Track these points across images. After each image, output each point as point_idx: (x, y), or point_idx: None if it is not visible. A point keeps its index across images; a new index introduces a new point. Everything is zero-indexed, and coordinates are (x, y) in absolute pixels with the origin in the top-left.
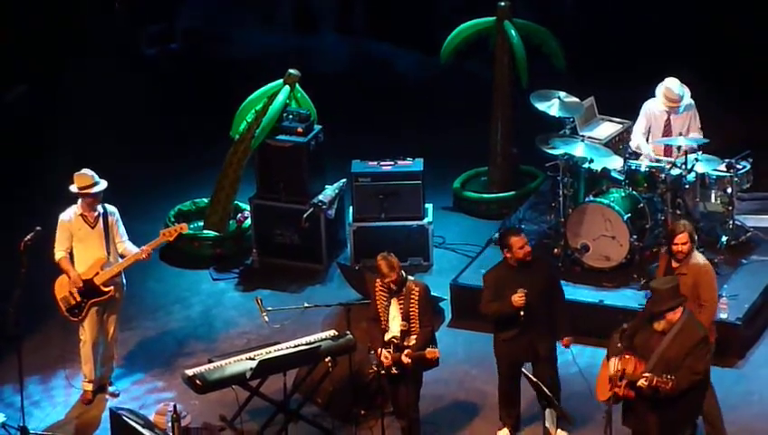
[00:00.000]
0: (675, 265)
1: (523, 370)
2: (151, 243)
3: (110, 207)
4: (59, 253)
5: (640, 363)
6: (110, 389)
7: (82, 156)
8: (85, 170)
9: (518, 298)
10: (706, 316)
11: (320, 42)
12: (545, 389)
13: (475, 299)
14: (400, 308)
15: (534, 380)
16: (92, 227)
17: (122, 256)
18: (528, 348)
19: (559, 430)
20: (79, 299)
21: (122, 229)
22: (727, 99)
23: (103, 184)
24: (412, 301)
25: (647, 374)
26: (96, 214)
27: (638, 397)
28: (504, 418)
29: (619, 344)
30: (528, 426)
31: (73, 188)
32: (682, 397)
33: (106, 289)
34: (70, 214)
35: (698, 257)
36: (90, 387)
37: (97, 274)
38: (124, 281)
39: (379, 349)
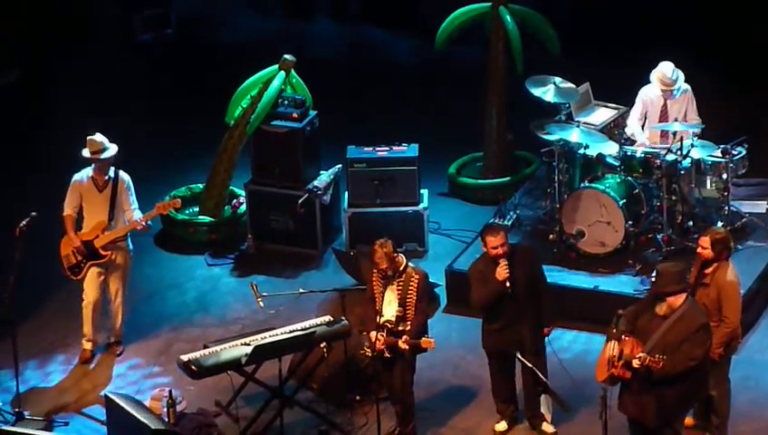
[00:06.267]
0: (706, 271)
1: (518, 355)
2: (146, 215)
3: (123, 174)
4: (66, 210)
5: (638, 346)
6: (117, 352)
7: (76, 142)
8: (96, 135)
9: (501, 270)
10: (723, 333)
11: (315, 27)
12: (541, 375)
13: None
14: (398, 293)
15: (530, 365)
16: (100, 191)
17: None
18: (515, 338)
19: (544, 423)
20: (79, 259)
21: (133, 197)
22: (723, 84)
23: (112, 150)
24: (411, 288)
25: (641, 355)
26: (106, 178)
27: (633, 378)
28: (502, 410)
29: (622, 328)
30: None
31: (85, 153)
32: (678, 382)
33: (104, 253)
34: (83, 175)
35: (728, 273)
36: (89, 346)
37: (97, 236)
38: (131, 246)
39: (372, 331)
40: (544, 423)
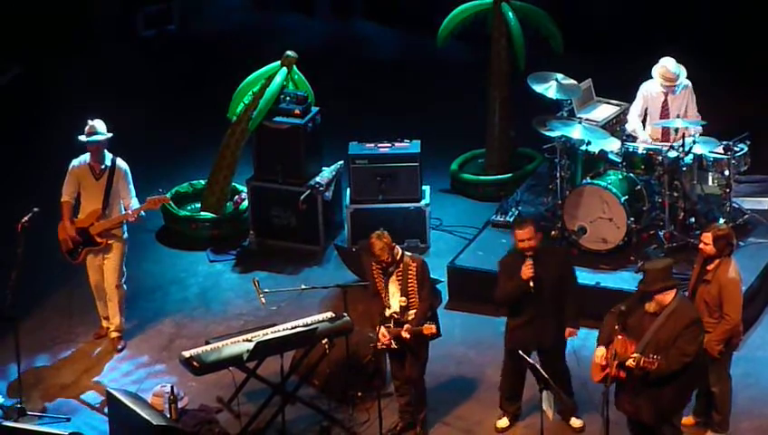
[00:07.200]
0: (708, 268)
1: (520, 352)
2: (137, 208)
3: (121, 163)
4: (64, 196)
5: (631, 344)
6: (119, 346)
7: (76, 139)
8: (96, 121)
9: (526, 269)
10: (723, 329)
11: (317, 23)
12: (542, 371)
13: (472, 281)
14: (399, 284)
15: (531, 362)
16: (97, 179)
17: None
18: (536, 336)
19: (574, 419)
20: (74, 245)
21: (131, 186)
22: (725, 81)
23: (104, 136)
24: (410, 276)
25: (635, 355)
26: (102, 167)
27: (629, 378)
28: (506, 407)
29: (616, 326)
30: (529, 415)
31: (81, 137)
32: (673, 380)
33: (100, 240)
34: (80, 161)
35: (729, 270)
36: (105, 323)
37: (92, 224)
38: (126, 235)
39: (378, 325)
40: (573, 418)
